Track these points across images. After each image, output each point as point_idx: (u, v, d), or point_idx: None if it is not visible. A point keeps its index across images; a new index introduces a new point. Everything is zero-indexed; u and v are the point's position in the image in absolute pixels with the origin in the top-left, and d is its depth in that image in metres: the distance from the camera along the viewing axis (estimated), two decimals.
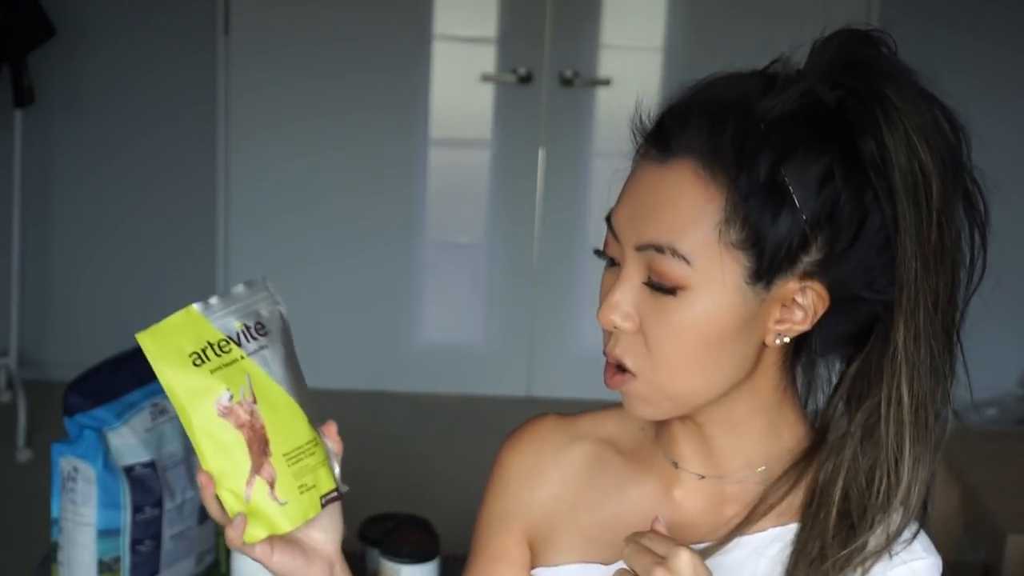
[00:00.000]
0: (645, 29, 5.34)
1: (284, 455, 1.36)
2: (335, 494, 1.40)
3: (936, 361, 1.36)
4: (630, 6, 5.35)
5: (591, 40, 5.33)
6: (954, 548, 4.32)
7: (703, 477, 1.46)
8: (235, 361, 1.36)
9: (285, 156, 5.33)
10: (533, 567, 1.55)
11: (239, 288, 1.40)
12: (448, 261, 5.57)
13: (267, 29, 5.24)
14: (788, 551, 1.40)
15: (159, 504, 2.24)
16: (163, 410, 2.29)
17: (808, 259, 1.32)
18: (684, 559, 1.26)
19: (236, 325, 1.37)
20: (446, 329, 5.61)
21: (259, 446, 1.35)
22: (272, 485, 1.36)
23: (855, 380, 1.40)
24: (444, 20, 5.31)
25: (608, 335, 1.38)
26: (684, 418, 1.44)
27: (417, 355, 5.50)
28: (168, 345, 1.34)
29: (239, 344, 1.37)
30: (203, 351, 1.35)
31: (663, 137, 1.34)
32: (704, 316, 1.33)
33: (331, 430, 1.43)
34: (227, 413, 1.35)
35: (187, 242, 5.36)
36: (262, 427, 1.36)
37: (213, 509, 1.39)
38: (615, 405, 1.53)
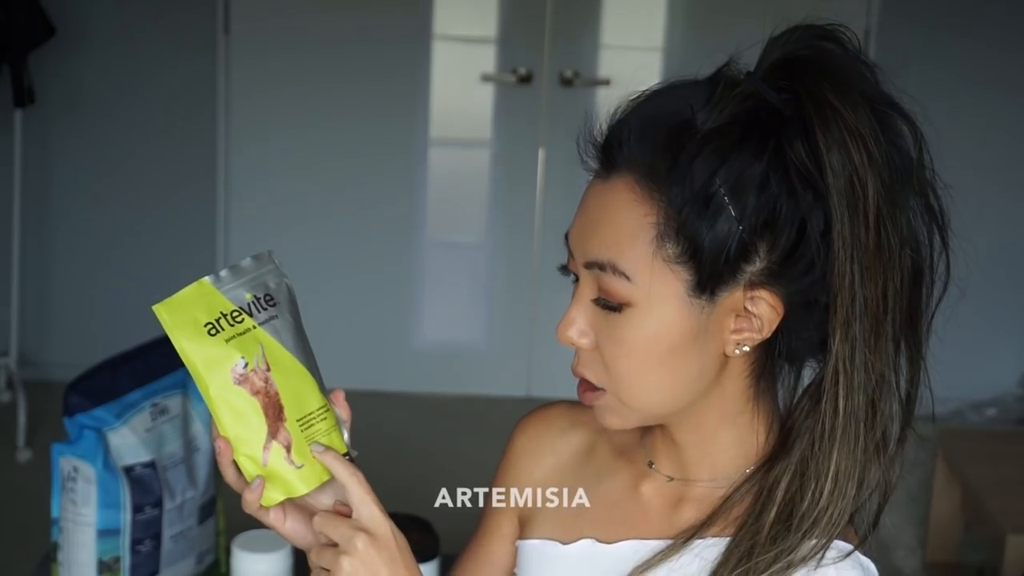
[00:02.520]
0: (645, 29, 5.34)
1: (297, 420, 1.40)
2: (347, 459, 1.42)
3: (876, 373, 1.33)
4: (630, 6, 5.35)
5: (591, 40, 5.33)
6: (954, 548, 4.33)
7: (672, 479, 1.47)
8: (248, 331, 1.39)
9: (285, 156, 5.33)
10: (523, 537, 1.59)
11: (247, 261, 1.43)
12: (448, 261, 5.57)
13: (267, 29, 5.24)
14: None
15: (159, 504, 2.24)
16: (163, 410, 2.29)
17: (751, 268, 1.31)
18: (361, 541, 1.38)
19: (247, 296, 1.40)
20: (446, 329, 5.62)
21: (274, 412, 1.39)
22: (288, 449, 1.39)
23: (815, 388, 1.38)
24: (444, 20, 5.31)
25: (576, 353, 1.40)
26: (660, 425, 1.45)
27: (417, 355, 5.50)
28: (183, 316, 1.39)
29: (251, 314, 1.40)
30: (217, 321, 1.39)
31: (607, 153, 1.34)
32: (651, 331, 1.33)
33: (339, 397, 1.45)
34: (242, 380, 1.38)
35: (187, 242, 5.36)
36: (276, 393, 1.39)
37: (230, 475, 1.42)
38: None
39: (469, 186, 5.50)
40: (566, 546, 1.50)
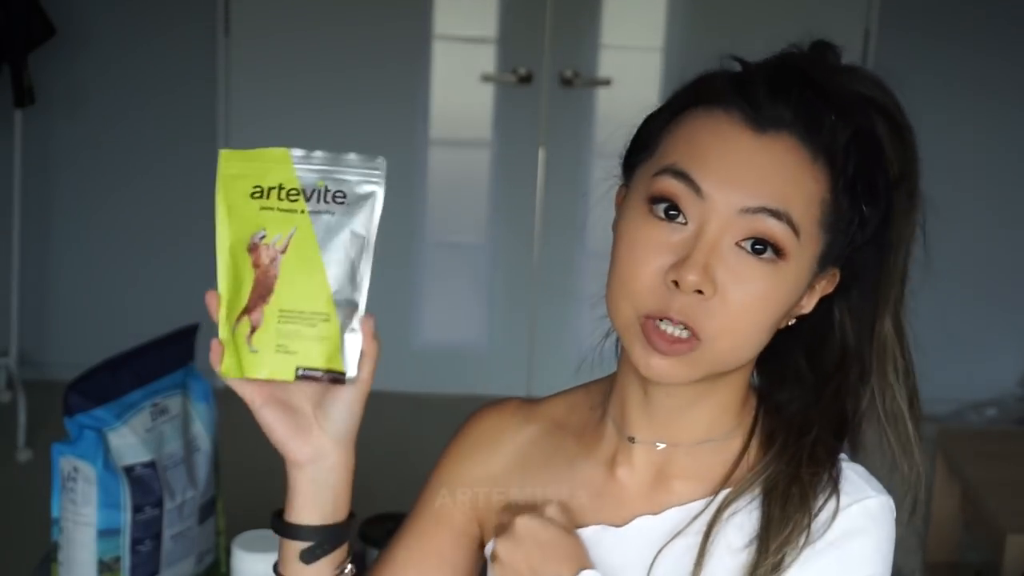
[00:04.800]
0: (645, 29, 5.34)
1: (281, 310, 1.36)
2: (320, 373, 1.37)
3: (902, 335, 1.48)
4: (630, 6, 5.35)
5: (591, 40, 5.33)
6: (954, 548, 4.32)
7: (660, 447, 1.49)
8: (291, 212, 1.37)
9: None
10: (488, 537, 1.58)
11: (352, 155, 1.40)
12: (448, 261, 5.57)
13: (267, 29, 5.23)
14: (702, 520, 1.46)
15: (159, 504, 2.24)
16: (163, 410, 2.29)
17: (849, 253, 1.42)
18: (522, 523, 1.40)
19: (318, 183, 1.38)
20: (446, 329, 5.62)
21: (261, 291, 1.36)
22: (253, 330, 1.36)
23: (811, 352, 1.50)
24: (444, 20, 5.31)
25: (669, 295, 1.36)
26: (643, 394, 1.47)
27: (417, 355, 5.50)
28: (239, 169, 1.37)
29: (308, 199, 1.37)
30: (268, 190, 1.37)
31: (761, 106, 1.37)
32: (787, 288, 1.38)
33: (367, 324, 1.41)
34: (252, 249, 1.36)
35: (188, 242, 5.36)
36: (274, 277, 1.36)
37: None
38: (567, 391, 1.61)
39: (469, 186, 5.50)
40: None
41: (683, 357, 1.37)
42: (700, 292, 1.34)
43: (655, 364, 1.37)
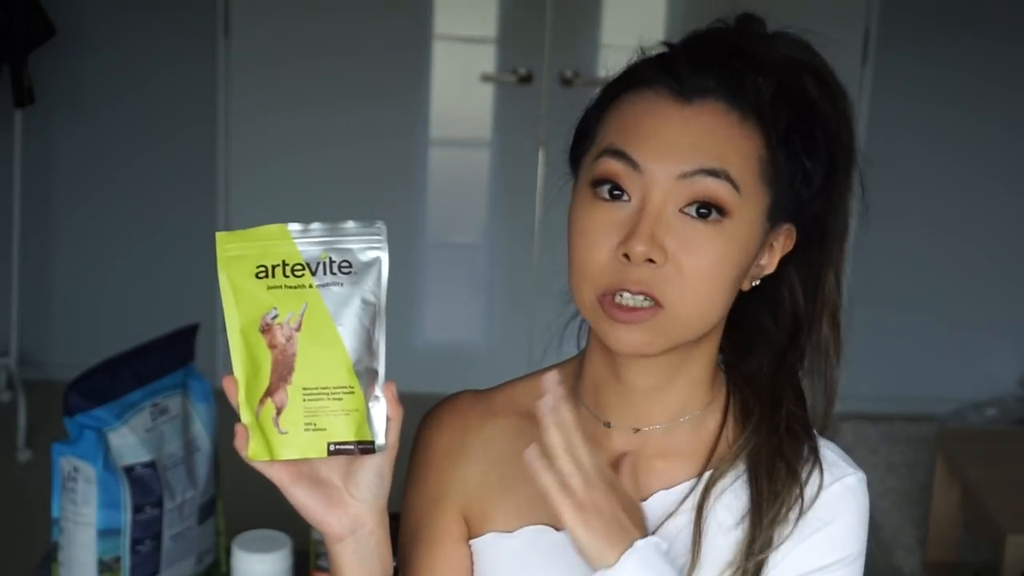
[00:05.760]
0: (645, 29, 5.33)
1: (304, 388, 1.37)
2: (351, 446, 1.38)
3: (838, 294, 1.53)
4: (630, 6, 5.35)
5: (591, 40, 5.33)
6: (953, 548, 4.33)
7: (637, 430, 1.51)
8: (300, 287, 1.37)
9: (285, 156, 5.33)
10: (472, 536, 1.57)
11: (350, 223, 1.42)
12: (448, 261, 5.57)
13: (267, 29, 5.23)
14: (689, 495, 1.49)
15: (159, 504, 2.25)
16: (163, 410, 2.29)
17: (799, 206, 1.45)
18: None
19: (321, 255, 1.39)
20: (446, 329, 5.62)
21: (282, 371, 1.36)
22: (279, 412, 1.37)
23: (775, 327, 1.54)
24: (444, 20, 5.31)
25: (624, 269, 1.39)
26: (616, 376, 1.49)
27: (417, 355, 5.50)
28: (241, 250, 1.38)
29: (314, 273, 1.38)
30: (273, 268, 1.37)
31: (682, 78, 1.43)
32: (737, 246, 1.40)
33: (389, 390, 1.40)
34: (266, 330, 1.36)
35: (187, 242, 5.36)
36: (293, 355, 1.36)
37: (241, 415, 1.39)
38: (522, 378, 1.62)
39: (469, 186, 5.50)
40: (560, 531, 1.46)
41: (648, 325, 1.40)
42: (652, 261, 1.38)
43: (623, 336, 1.40)
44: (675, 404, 1.51)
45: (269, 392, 1.37)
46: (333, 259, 1.39)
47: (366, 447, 1.39)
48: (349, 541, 1.42)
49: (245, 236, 1.38)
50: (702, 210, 1.38)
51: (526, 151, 5.32)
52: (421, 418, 1.65)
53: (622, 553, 1.35)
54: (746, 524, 1.45)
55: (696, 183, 1.38)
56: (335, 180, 5.34)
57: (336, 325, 1.38)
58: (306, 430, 1.37)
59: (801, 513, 1.45)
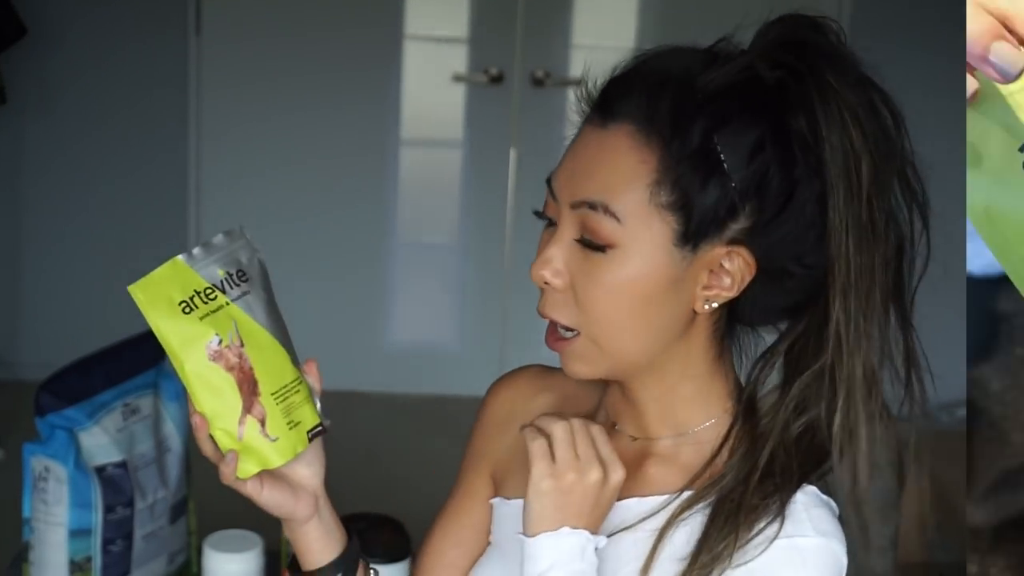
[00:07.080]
0: (616, 29, 5.35)
1: (272, 394, 1.42)
2: (319, 428, 1.46)
3: (871, 339, 1.42)
4: (601, 6, 5.36)
5: (562, 40, 5.34)
6: (925, 548, 4.34)
7: (635, 439, 1.53)
8: (221, 307, 1.41)
9: (256, 156, 5.32)
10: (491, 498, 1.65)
11: (219, 237, 1.46)
12: (419, 261, 5.57)
13: (238, 29, 5.22)
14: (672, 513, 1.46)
15: (131, 504, 2.24)
16: (135, 410, 2.29)
17: (736, 226, 1.38)
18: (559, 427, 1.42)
19: (219, 273, 1.43)
20: (417, 330, 5.62)
21: (249, 387, 1.41)
22: (263, 423, 1.41)
23: (790, 353, 1.46)
24: (415, 20, 5.31)
25: (543, 295, 1.44)
26: (621, 384, 1.50)
27: (388, 355, 5.50)
28: (158, 295, 1.41)
29: (223, 291, 1.42)
30: (191, 299, 1.41)
31: (605, 103, 1.41)
32: (633, 274, 1.39)
33: (311, 367, 1.49)
34: (217, 357, 1.40)
35: (158, 242, 5.34)
36: (250, 368, 1.41)
37: (207, 449, 1.43)
38: None
39: (440, 186, 5.50)
40: None
41: (569, 351, 1.45)
42: (548, 284, 1.42)
43: (561, 362, 1.47)
44: (673, 419, 1.51)
45: (247, 410, 1.41)
46: (230, 273, 1.44)
47: (324, 426, 1.47)
48: (315, 519, 1.50)
49: (151, 281, 1.43)
50: (586, 240, 1.40)
51: (498, 151, 5.33)
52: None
53: (546, 531, 1.40)
54: (686, 564, 1.42)
55: (581, 214, 1.39)
56: (306, 179, 5.33)
57: (263, 329, 1.44)
58: (290, 429, 1.43)
59: (741, 559, 1.39)
